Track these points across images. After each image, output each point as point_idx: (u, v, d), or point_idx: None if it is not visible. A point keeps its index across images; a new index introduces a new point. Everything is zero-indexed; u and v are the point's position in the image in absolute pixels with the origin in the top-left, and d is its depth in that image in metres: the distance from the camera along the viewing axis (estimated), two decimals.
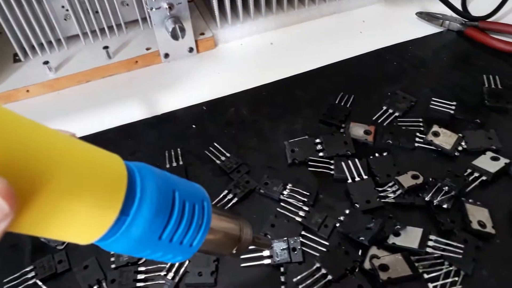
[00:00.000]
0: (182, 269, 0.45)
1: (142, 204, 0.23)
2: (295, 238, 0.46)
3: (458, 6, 0.75)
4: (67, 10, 0.65)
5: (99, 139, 0.59)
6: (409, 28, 0.75)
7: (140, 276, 0.44)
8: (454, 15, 0.74)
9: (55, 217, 0.20)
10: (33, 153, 0.18)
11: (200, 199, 0.27)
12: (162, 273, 0.44)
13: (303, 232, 0.47)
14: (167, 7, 0.63)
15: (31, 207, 0.18)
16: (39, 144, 0.19)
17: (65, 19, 0.67)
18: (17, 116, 0.19)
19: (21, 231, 0.19)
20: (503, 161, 0.51)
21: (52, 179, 0.19)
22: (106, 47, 0.67)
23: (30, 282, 0.45)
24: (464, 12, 0.74)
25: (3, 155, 0.17)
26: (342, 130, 0.57)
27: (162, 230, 0.24)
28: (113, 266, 0.45)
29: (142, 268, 0.45)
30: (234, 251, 0.30)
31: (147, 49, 0.69)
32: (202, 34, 0.72)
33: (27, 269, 0.45)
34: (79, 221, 0.21)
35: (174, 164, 0.55)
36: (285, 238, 0.46)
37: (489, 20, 0.73)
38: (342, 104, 0.61)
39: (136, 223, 0.22)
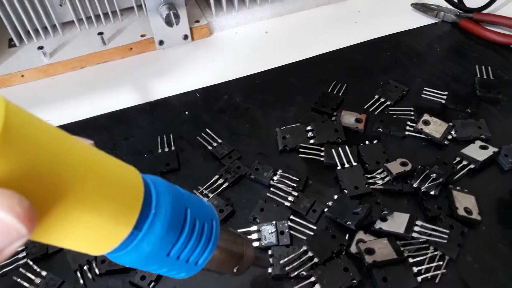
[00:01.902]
0: None
1: (156, 220, 0.23)
2: (283, 222, 0.46)
3: None
4: None
5: (93, 124, 0.60)
6: (404, 19, 0.75)
7: None
8: (449, 6, 0.74)
9: (70, 229, 0.19)
10: (57, 165, 0.18)
11: (210, 218, 0.27)
12: None
13: (291, 217, 0.48)
14: None
15: (48, 219, 0.18)
16: (63, 155, 0.18)
17: (60, 5, 0.67)
18: (41, 123, 0.18)
19: (34, 239, 0.18)
20: (491, 149, 0.52)
21: (72, 191, 0.18)
22: (101, 33, 0.67)
23: (21, 262, 0.45)
24: (459, 4, 0.74)
25: (26, 169, 0.16)
26: (333, 118, 0.58)
27: (171, 247, 0.24)
28: None
29: None
30: (235, 270, 0.30)
31: (142, 36, 0.69)
32: (197, 21, 0.72)
33: (19, 249, 0.46)
34: (93, 233, 0.20)
35: (166, 149, 0.55)
36: (274, 222, 0.46)
37: (484, 12, 0.73)
38: (335, 92, 0.62)
39: (147, 238, 0.22)
